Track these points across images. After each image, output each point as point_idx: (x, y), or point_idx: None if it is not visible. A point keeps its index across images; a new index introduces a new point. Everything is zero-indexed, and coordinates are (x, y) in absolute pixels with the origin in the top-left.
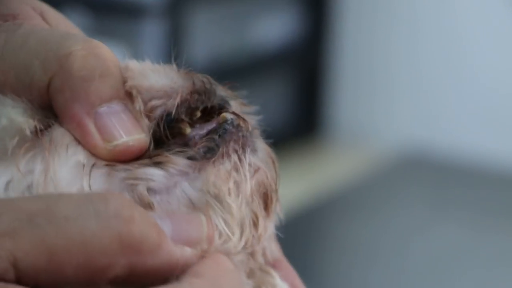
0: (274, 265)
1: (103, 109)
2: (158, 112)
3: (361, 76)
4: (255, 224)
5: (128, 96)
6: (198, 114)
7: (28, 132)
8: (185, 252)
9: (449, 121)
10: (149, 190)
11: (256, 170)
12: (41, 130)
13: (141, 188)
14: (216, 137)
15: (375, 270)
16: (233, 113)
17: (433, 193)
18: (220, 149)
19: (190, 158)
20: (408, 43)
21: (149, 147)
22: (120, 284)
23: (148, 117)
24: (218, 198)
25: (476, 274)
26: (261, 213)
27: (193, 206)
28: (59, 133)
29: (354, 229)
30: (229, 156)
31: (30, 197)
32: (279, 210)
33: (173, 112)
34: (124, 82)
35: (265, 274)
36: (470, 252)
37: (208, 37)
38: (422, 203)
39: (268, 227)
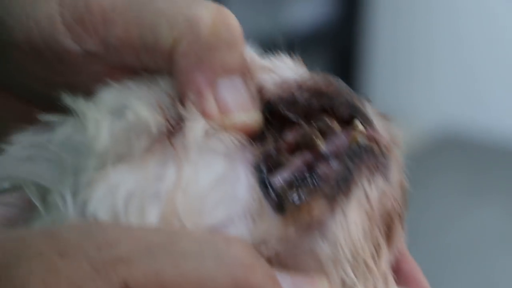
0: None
1: (225, 81)
2: (267, 97)
3: (399, 55)
4: (376, 255)
5: (247, 73)
6: (336, 125)
7: (155, 131)
8: None
9: (489, 102)
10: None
11: (384, 196)
12: (171, 128)
13: (271, 245)
14: (349, 162)
15: (414, 252)
16: (366, 130)
17: (473, 174)
18: (352, 177)
19: (326, 196)
20: (448, 21)
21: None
22: None
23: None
24: (352, 253)
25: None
26: (383, 242)
27: (322, 260)
28: (193, 134)
29: None
30: (359, 184)
31: (152, 228)
32: (403, 234)
33: (274, 100)
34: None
35: None
36: (508, 236)
37: (242, 19)
38: (461, 185)
39: (389, 255)
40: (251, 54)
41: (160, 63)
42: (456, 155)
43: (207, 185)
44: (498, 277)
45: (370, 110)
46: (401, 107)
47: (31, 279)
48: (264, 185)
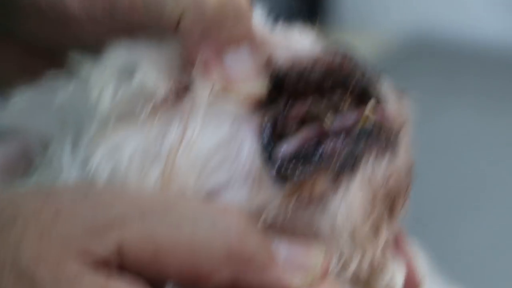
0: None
1: (230, 54)
2: (278, 69)
3: None
4: (377, 232)
5: (255, 43)
6: (348, 103)
7: (160, 98)
8: (295, 279)
9: (459, 4)
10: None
11: (388, 175)
12: (178, 93)
13: (269, 214)
14: (357, 141)
15: None
16: (377, 109)
17: (442, 78)
18: (359, 156)
19: (330, 172)
20: None
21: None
22: None
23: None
24: (352, 228)
25: (484, 156)
26: (385, 220)
27: (320, 234)
28: (200, 97)
29: None
30: (365, 163)
31: (148, 192)
32: (404, 213)
33: (286, 72)
34: (254, 29)
35: (383, 263)
36: (480, 136)
37: None
38: (430, 88)
39: (389, 232)
40: (265, 27)
41: (166, 32)
42: (426, 60)
43: (210, 146)
44: (470, 175)
45: (384, 89)
46: (373, 12)
47: (25, 237)
48: (268, 153)
